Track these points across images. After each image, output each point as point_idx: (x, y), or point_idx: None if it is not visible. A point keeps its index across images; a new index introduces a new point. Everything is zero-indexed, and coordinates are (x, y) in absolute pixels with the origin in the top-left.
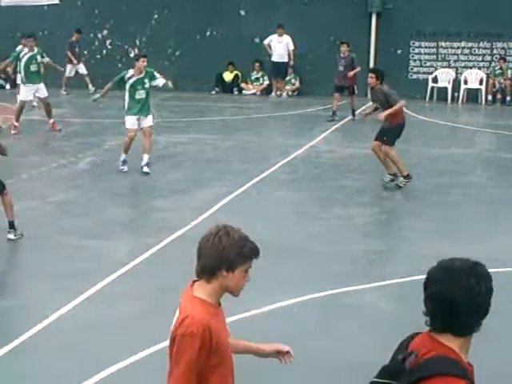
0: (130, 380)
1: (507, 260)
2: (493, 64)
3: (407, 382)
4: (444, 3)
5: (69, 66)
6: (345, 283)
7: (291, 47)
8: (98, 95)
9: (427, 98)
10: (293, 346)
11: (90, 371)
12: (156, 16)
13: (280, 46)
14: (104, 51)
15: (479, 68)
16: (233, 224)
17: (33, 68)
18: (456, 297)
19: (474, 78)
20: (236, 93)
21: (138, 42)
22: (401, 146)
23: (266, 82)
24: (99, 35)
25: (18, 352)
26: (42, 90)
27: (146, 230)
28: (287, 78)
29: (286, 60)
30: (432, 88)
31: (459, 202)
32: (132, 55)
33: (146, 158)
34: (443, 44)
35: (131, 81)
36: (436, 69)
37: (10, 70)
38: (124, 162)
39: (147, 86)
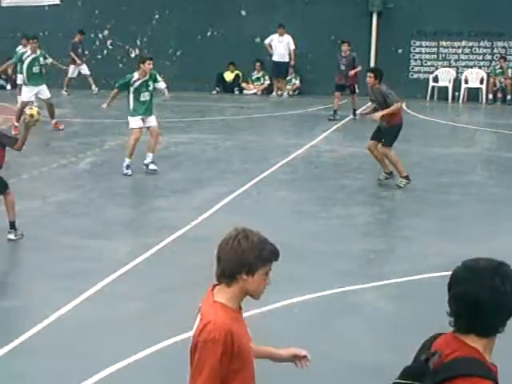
0: (129, 380)
1: (508, 259)
2: (493, 63)
3: (431, 383)
4: (445, 3)
5: (72, 67)
6: (345, 283)
7: (292, 47)
8: (104, 104)
9: (428, 98)
10: (292, 345)
11: (90, 371)
12: (157, 16)
13: (281, 46)
14: (105, 51)
15: (480, 67)
16: (232, 223)
17: (35, 70)
18: (481, 297)
19: (474, 77)
20: (237, 93)
21: (138, 43)
22: (401, 146)
23: (267, 82)
24: (100, 35)
25: (18, 352)
26: (44, 92)
27: (146, 230)
28: (288, 78)
29: (287, 60)
30: (433, 87)
31: (460, 202)
32: (133, 55)
33: (150, 156)
34: (444, 43)
35: (136, 84)
36: (437, 68)
37: (9, 70)
38: (128, 167)
39: (151, 88)
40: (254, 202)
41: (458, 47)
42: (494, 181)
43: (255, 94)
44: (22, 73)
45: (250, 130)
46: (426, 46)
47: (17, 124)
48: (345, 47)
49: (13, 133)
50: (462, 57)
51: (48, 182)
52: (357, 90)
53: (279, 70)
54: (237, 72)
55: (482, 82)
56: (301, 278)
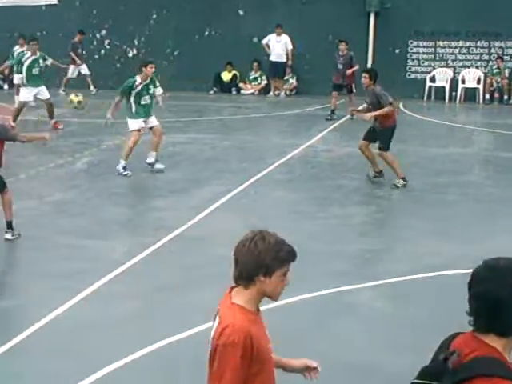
0: (126, 380)
1: None
2: (490, 63)
3: (450, 383)
4: (442, 3)
5: (72, 67)
6: (342, 282)
7: (290, 47)
8: (108, 116)
9: (425, 98)
10: (289, 345)
11: (87, 371)
12: (154, 16)
13: (278, 46)
14: (102, 51)
15: (477, 67)
16: (230, 222)
17: (35, 71)
18: (501, 296)
19: (471, 77)
20: (234, 92)
21: (136, 42)
22: (398, 146)
23: (264, 82)
24: (98, 35)
25: (15, 351)
26: (43, 92)
27: (143, 230)
28: (285, 78)
29: (285, 60)
30: (430, 87)
31: (457, 202)
32: (130, 55)
33: (154, 155)
34: (441, 43)
35: (138, 88)
36: (434, 68)
37: (7, 70)
38: (125, 168)
39: (151, 91)
40: (251, 202)
41: (455, 47)
42: (491, 181)
43: (252, 93)
44: (20, 73)
45: (248, 130)
46: (424, 46)
47: (13, 124)
48: (342, 46)
49: None
50: (459, 57)
51: (45, 182)
52: (354, 90)
53: (276, 70)
54: (234, 72)
55: (479, 82)
56: (296, 278)
